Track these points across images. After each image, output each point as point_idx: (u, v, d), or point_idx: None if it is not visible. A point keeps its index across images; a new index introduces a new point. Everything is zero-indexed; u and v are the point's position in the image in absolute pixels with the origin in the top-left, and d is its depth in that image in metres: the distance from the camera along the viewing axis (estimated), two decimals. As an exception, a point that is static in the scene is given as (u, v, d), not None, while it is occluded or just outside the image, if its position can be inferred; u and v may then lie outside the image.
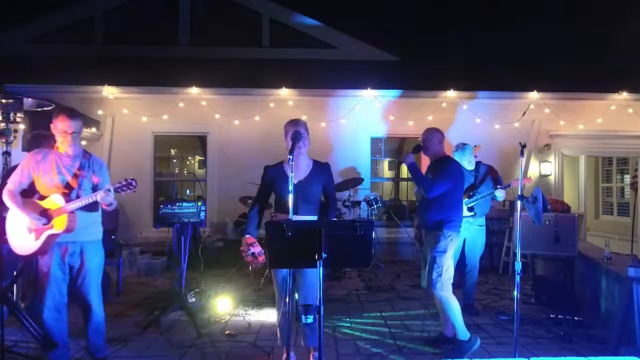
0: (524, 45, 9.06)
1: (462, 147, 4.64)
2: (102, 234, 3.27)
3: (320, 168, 3.15)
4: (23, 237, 3.02)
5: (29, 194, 3.07)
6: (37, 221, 2.95)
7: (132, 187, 2.97)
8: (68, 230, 2.94)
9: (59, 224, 2.94)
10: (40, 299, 3.08)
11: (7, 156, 3.45)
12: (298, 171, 3.04)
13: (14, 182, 3.04)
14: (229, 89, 7.66)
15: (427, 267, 3.53)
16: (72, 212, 2.94)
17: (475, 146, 5.12)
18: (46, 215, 2.97)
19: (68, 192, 3.01)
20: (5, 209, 3.12)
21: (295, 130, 2.97)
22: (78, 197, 2.99)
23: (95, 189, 3.11)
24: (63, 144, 3.04)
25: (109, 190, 2.89)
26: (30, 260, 3.97)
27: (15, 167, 4.01)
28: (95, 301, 3.15)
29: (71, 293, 3.14)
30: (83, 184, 3.06)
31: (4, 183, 3.45)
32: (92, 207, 3.04)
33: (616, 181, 10.01)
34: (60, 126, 2.98)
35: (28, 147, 4.00)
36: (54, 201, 2.97)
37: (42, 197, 3.03)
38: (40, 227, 2.97)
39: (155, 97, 7.63)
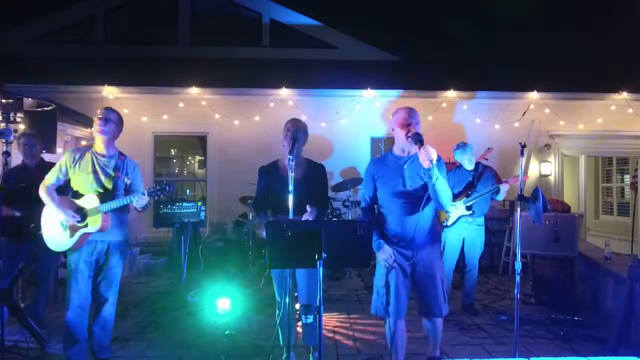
0: (524, 45, 9.06)
1: (463, 145, 4.63)
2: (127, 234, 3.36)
3: (314, 169, 3.14)
4: (58, 234, 3.09)
5: (63, 191, 3.15)
6: (72, 218, 3.02)
7: (165, 192, 3.06)
8: (102, 229, 3.03)
9: (93, 223, 3.02)
10: (67, 295, 3.12)
11: (7, 156, 3.46)
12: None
13: (51, 178, 3.11)
14: (229, 89, 7.66)
15: (434, 291, 2.78)
16: (106, 212, 3.02)
17: (488, 149, 5.13)
18: (81, 213, 3.04)
19: (103, 191, 3.08)
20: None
21: (296, 131, 2.99)
22: (113, 196, 3.07)
23: (127, 189, 3.20)
24: (99, 146, 3.13)
25: (143, 194, 2.98)
26: (30, 261, 3.99)
27: (14, 167, 4.03)
28: (110, 299, 3.21)
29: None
30: (118, 184, 3.14)
31: (4, 183, 3.46)
32: (123, 207, 3.14)
33: (616, 181, 10.01)
34: (96, 129, 3.08)
35: (19, 147, 4.00)
36: (89, 201, 3.04)
37: (77, 195, 3.09)
38: (75, 225, 3.03)
39: (155, 97, 7.63)
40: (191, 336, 3.91)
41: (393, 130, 2.78)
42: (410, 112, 2.73)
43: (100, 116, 3.09)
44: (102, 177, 3.11)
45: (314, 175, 3.11)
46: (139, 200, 3.00)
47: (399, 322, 2.81)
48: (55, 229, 3.11)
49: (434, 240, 2.83)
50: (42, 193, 3.09)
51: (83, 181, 3.08)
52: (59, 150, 5.57)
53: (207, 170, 7.93)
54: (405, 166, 2.75)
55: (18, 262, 3.88)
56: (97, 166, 3.11)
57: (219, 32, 8.62)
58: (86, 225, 3.03)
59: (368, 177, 2.89)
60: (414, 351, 3.44)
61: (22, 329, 3.56)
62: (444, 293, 2.79)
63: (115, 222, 3.13)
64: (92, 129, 3.14)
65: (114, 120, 3.14)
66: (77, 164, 3.09)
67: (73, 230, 3.05)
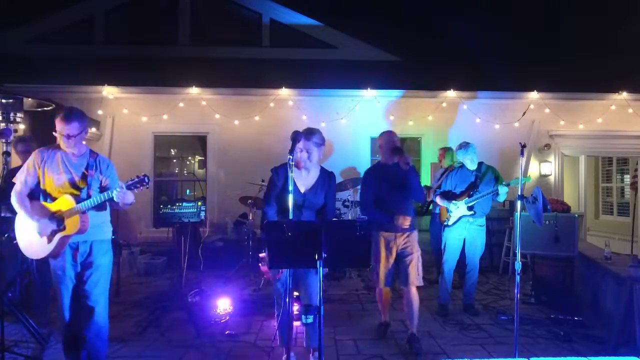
0: (524, 45, 9.06)
1: (465, 145, 4.62)
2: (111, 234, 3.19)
3: (326, 177, 3.19)
4: (34, 242, 2.91)
5: (34, 196, 2.95)
6: (49, 227, 2.85)
7: (144, 184, 2.87)
8: (81, 231, 2.85)
9: (71, 226, 2.84)
10: (58, 303, 2.96)
11: (7, 156, 3.46)
12: (306, 179, 3.10)
13: (21, 182, 2.92)
14: (229, 89, 7.66)
15: (417, 264, 3.75)
16: (84, 212, 2.85)
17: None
18: (56, 217, 2.86)
19: (77, 192, 2.90)
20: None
21: (300, 133, 2.99)
22: (88, 196, 2.89)
23: (103, 189, 3.00)
24: (64, 146, 2.91)
25: (122, 187, 2.78)
26: (30, 261, 3.98)
27: (15, 168, 4.02)
28: (100, 303, 2.99)
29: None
30: (92, 183, 2.96)
31: (4, 183, 3.44)
32: (100, 206, 2.94)
33: (616, 181, 10.01)
34: (58, 128, 2.87)
35: (18, 154, 3.99)
36: (66, 201, 2.86)
37: (51, 198, 2.91)
38: (52, 230, 2.86)
39: (155, 97, 7.63)
40: (191, 336, 3.91)
41: (380, 147, 3.85)
42: (395, 135, 3.85)
43: (60, 117, 2.86)
44: (75, 177, 2.93)
45: (326, 185, 3.14)
46: (120, 195, 2.78)
47: (386, 289, 3.88)
48: (31, 236, 2.91)
49: (414, 227, 3.82)
50: (13, 201, 2.89)
51: (55, 182, 2.90)
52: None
53: (207, 170, 7.93)
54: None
55: (16, 262, 3.88)
56: (68, 166, 2.93)
57: (219, 32, 8.63)
58: (64, 229, 2.85)
59: (369, 181, 3.85)
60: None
61: (22, 329, 3.55)
62: (419, 269, 3.74)
63: (95, 221, 2.95)
64: (56, 133, 2.90)
65: (76, 119, 2.89)
66: (46, 164, 2.89)
67: (51, 235, 2.87)
